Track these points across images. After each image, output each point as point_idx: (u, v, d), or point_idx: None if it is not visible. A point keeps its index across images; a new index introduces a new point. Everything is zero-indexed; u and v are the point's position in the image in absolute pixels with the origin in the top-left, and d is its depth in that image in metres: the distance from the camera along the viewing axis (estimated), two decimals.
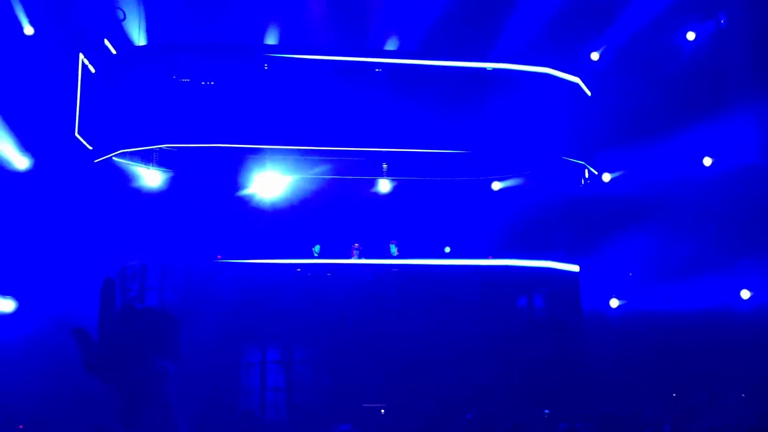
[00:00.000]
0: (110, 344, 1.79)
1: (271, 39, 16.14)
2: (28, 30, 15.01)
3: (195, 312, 13.16)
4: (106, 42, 15.25)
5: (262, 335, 13.19)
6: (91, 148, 15.08)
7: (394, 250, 14.60)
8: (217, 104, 14.92)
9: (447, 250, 15.77)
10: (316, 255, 14.34)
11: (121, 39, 15.46)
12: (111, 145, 15.03)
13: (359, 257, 14.49)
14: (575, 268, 14.80)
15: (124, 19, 14.97)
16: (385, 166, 16.34)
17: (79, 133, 15.18)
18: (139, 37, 15.59)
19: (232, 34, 15.67)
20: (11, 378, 12.40)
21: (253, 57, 15.39)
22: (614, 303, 16.44)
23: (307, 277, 14.04)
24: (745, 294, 15.82)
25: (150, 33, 15.62)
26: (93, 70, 15.19)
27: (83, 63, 15.05)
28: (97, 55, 15.13)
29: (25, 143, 14.96)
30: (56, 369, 11.97)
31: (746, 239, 15.53)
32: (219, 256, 13.55)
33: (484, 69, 16.12)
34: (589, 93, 16.70)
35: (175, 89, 14.90)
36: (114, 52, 15.43)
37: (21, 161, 15.06)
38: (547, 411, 12.11)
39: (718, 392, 13.30)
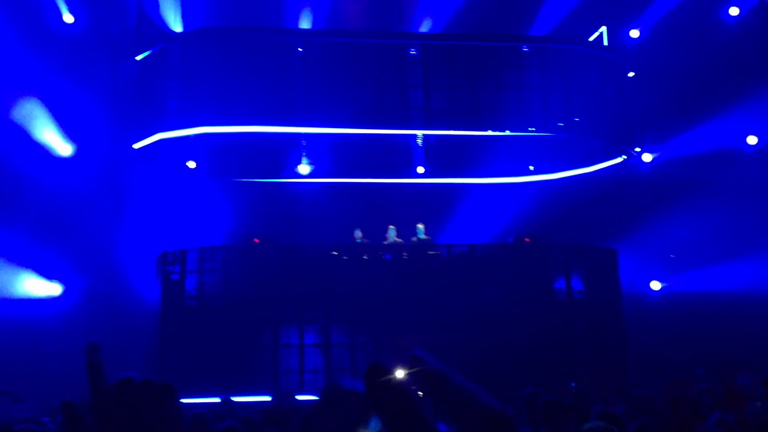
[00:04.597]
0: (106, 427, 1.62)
1: (305, 23, 16.18)
2: (68, 18, 15.25)
3: (234, 294, 13.39)
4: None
5: (301, 317, 13.32)
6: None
7: (421, 231, 14.48)
8: (253, 87, 15.00)
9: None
10: (358, 240, 14.39)
11: (158, 22, 15.61)
12: (150, 129, 15.24)
13: (396, 239, 14.50)
14: (614, 248, 14.62)
15: None
16: (419, 141, 16.30)
17: (119, 121, 15.42)
18: (175, 22, 15.74)
19: (267, 19, 15.73)
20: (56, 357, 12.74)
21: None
22: (656, 285, 16.22)
23: (344, 260, 14.11)
24: None
25: (185, 19, 15.75)
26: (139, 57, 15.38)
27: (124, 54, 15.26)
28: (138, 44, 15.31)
29: (68, 131, 15.26)
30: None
31: None
32: (256, 239, 13.69)
33: (519, 49, 15.94)
34: (628, 72, 16.39)
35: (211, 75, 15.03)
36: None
37: (65, 148, 15.39)
38: (573, 384, 12.05)
39: (763, 374, 13.03)
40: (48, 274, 14.79)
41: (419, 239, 14.52)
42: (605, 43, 16.49)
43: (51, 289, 14.88)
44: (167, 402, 1.74)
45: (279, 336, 13.27)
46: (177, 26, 15.80)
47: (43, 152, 15.09)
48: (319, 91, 15.29)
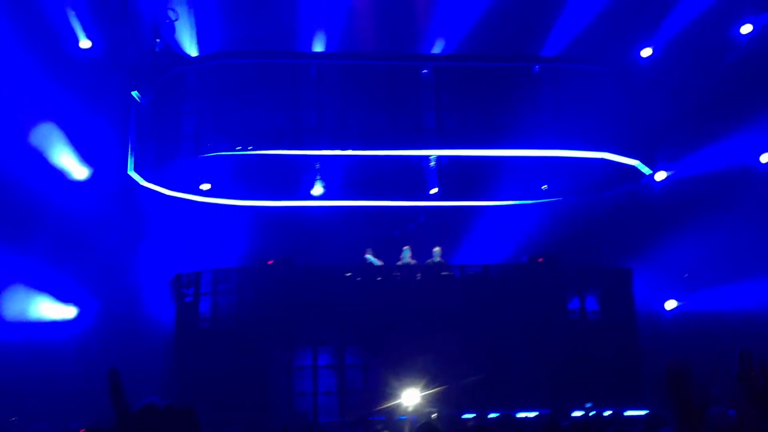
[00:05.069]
0: None
1: (319, 46, 16.31)
2: (85, 43, 15.45)
3: (247, 316, 13.40)
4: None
5: (315, 339, 13.30)
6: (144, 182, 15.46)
7: (437, 254, 14.52)
8: (267, 110, 15.13)
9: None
10: (368, 260, 14.41)
11: (174, 48, 15.80)
12: (165, 153, 15.37)
13: (410, 260, 14.51)
14: (629, 268, 14.55)
15: (177, 19, 15.30)
16: (432, 163, 16.34)
17: (135, 144, 15.57)
18: (191, 46, 15.92)
19: (281, 42, 15.87)
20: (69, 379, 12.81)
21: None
22: (670, 305, 16.10)
23: (358, 281, 14.11)
24: None
25: (201, 43, 15.93)
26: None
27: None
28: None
29: (84, 154, 15.42)
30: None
31: None
32: (270, 261, 13.73)
33: (531, 67, 15.98)
34: (641, 91, 16.37)
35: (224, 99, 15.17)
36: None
37: (80, 171, 15.55)
38: (588, 404, 11.97)
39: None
40: (63, 297, 14.89)
41: (434, 262, 14.55)
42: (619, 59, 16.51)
43: (66, 312, 14.98)
44: (190, 427, 1.78)
45: (293, 358, 13.26)
46: (193, 51, 15.98)
47: (59, 176, 15.25)
48: (332, 114, 15.38)
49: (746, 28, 16.60)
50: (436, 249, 14.54)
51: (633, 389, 13.08)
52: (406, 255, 14.51)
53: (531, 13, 16.68)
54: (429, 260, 14.57)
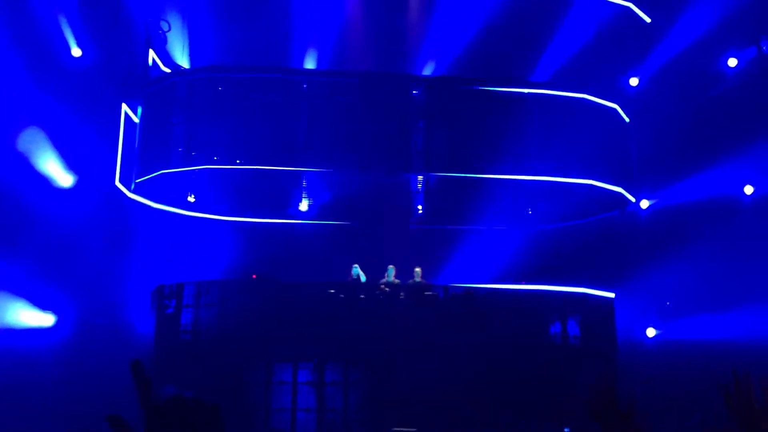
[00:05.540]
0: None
1: (310, 63, 16.38)
2: (76, 52, 15.43)
3: (229, 329, 13.31)
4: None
5: (296, 354, 13.24)
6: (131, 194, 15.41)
7: (418, 274, 14.56)
8: (257, 126, 15.14)
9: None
10: (355, 276, 14.40)
11: (166, 59, 15.82)
12: (153, 164, 15.33)
13: (394, 278, 14.51)
14: (611, 295, 14.62)
15: (169, 30, 15.33)
16: (420, 184, 16.39)
17: (122, 154, 15.51)
18: (182, 58, 15.94)
19: (272, 57, 15.93)
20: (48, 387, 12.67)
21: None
22: (651, 332, 16.17)
23: (341, 298, 14.07)
24: None
25: (192, 55, 15.96)
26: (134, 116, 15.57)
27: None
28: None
29: (71, 162, 15.34)
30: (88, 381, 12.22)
31: None
32: (254, 275, 13.68)
33: (521, 94, 16.10)
34: (627, 119, 16.56)
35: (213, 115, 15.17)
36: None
37: (66, 179, 15.46)
38: (567, 429, 11.98)
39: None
40: (42, 305, 14.74)
41: (415, 282, 14.57)
42: (604, 91, 16.70)
43: (44, 319, 14.82)
44: (217, 421, 1.80)
45: (273, 373, 13.18)
46: (184, 62, 16.00)
47: (44, 183, 15.16)
48: (321, 131, 15.39)
49: (732, 62, 16.90)
50: (417, 269, 14.58)
51: (614, 413, 13.05)
52: (391, 273, 14.51)
53: (521, 40, 16.87)
54: (410, 280, 14.60)
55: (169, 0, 15.84)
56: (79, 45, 15.52)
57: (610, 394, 2.42)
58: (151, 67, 15.56)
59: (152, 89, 15.51)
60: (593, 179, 15.93)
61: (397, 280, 14.57)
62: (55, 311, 14.79)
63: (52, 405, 12.53)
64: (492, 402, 12.75)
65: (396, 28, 16.61)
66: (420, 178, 16.23)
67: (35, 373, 13.46)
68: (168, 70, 15.75)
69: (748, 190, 16.49)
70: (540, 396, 12.83)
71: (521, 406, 12.83)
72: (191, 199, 15.83)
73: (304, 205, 16.08)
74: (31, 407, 12.63)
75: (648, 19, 17.11)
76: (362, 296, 14.19)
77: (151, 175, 15.25)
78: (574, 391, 13.12)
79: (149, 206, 15.74)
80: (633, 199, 16.45)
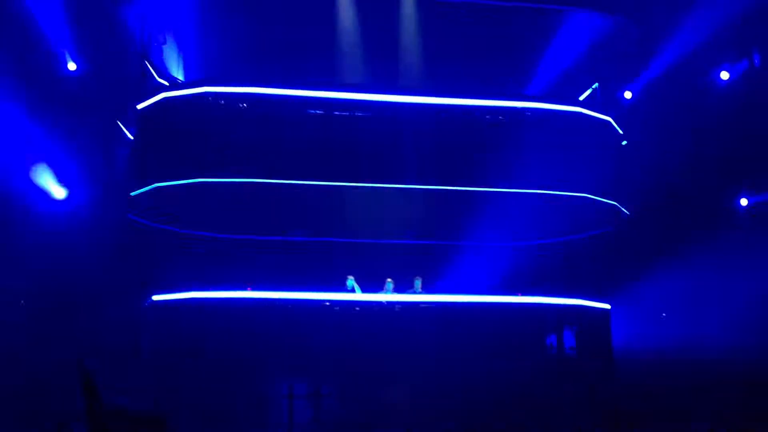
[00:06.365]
0: None
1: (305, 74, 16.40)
2: (71, 65, 15.42)
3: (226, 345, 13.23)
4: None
5: (291, 368, 13.19)
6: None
7: (418, 285, 14.59)
8: (249, 139, 15.13)
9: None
10: (349, 288, 14.36)
11: (161, 71, 15.81)
12: (146, 178, 15.28)
13: (392, 292, 14.49)
14: (606, 306, 14.64)
15: (165, 43, 15.34)
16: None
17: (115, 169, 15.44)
18: (178, 71, 15.95)
19: (269, 68, 15.96)
20: None
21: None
22: (646, 343, 16.15)
23: (336, 312, 14.03)
24: None
25: (187, 67, 15.98)
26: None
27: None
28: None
29: (63, 176, 15.27)
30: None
31: None
32: (249, 288, 13.63)
33: (514, 108, 16.15)
34: (621, 132, 16.63)
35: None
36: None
37: (59, 192, 15.39)
38: None
39: None
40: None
41: (416, 293, 14.59)
42: (599, 101, 16.80)
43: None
44: None
45: (268, 388, 13.12)
46: (179, 74, 16.01)
47: (36, 196, 15.07)
48: (313, 145, 15.37)
49: (724, 74, 17.03)
50: (418, 280, 14.59)
51: (610, 424, 13.10)
52: (390, 287, 14.50)
53: (515, 54, 16.98)
54: (410, 290, 14.62)
55: (164, 13, 15.86)
56: (74, 59, 15.50)
57: None
58: (146, 79, 15.55)
59: (146, 106, 15.45)
60: (587, 193, 15.96)
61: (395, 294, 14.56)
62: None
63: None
64: (487, 412, 12.71)
65: (389, 41, 16.71)
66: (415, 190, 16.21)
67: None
68: (165, 83, 15.73)
69: (744, 201, 16.55)
70: (535, 406, 12.81)
71: (518, 416, 12.80)
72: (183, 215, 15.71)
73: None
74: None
75: (640, 33, 17.25)
76: (357, 308, 14.14)
77: (144, 189, 15.18)
78: (569, 401, 13.14)
79: (143, 221, 15.66)
80: (627, 213, 16.49)
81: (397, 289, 14.60)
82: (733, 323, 15.09)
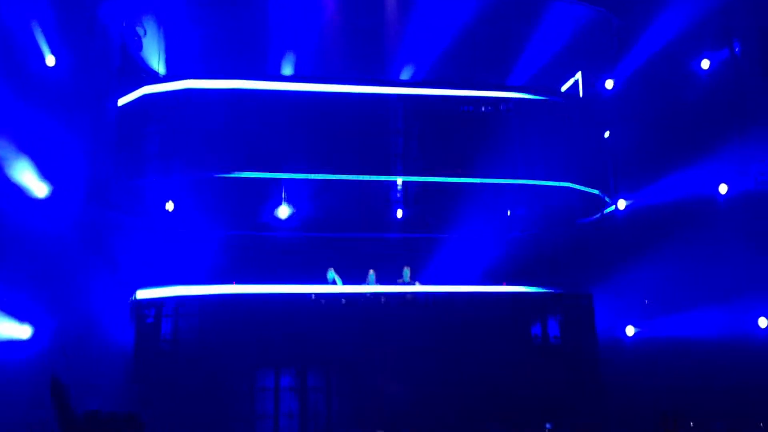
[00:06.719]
0: None
1: (288, 68, 16.36)
2: (50, 60, 15.26)
3: (210, 339, 13.24)
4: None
5: (277, 361, 13.23)
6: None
7: (406, 274, 14.70)
8: (233, 133, 15.08)
9: None
10: (330, 280, 14.44)
11: (142, 65, 15.69)
12: (129, 172, 15.21)
13: (375, 283, 14.56)
14: (589, 294, 14.79)
15: (145, 35, 15.21)
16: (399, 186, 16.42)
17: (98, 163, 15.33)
18: (159, 65, 15.84)
19: (250, 62, 15.89)
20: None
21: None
22: (630, 331, 16.32)
23: (321, 304, 14.07)
24: (763, 322, 15.65)
25: (168, 60, 15.87)
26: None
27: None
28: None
29: (45, 171, 15.15)
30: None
31: (764, 267, 15.38)
32: (234, 282, 13.65)
33: (495, 98, 16.20)
34: (603, 121, 16.73)
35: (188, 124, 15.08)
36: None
37: (41, 188, 15.27)
38: (548, 426, 12.15)
39: (735, 422, 13.13)
40: (19, 316, 14.51)
41: (404, 282, 14.67)
42: (581, 90, 16.88)
43: (21, 331, 14.60)
44: (136, 429, 1.77)
45: (255, 379, 13.14)
46: (160, 67, 15.89)
47: (18, 193, 14.93)
48: (300, 138, 15.36)
49: (705, 63, 17.13)
50: (406, 269, 14.69)
51: (595, 412, 13.27)
52: (372, 278, 14.56)
53: (496, 44, 16.99)
54: (399, 280, 14.68)
55: (144, 5, 15.73)
56: (53, 53, 15.34)
57: None
58: (126, 73, 15.42)
59: (128, 97, 15.37)
60: (570, 182, 16.07)
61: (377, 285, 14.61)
62: (31, 323, 14.57)
63: (25, 416, 12.34)
64: (474, 403, 12.82)
65: (373, 33, 16.64)
66: (399, 183, 16.25)
67: (11, 386, 13.25)
68: (145, 76, 15.63)
69: (723, 189, 16.70)
70: (522, 394, 12.96)
71: (504, 406, 12.93)
72: (170, 206, 15.70)
73: (284, 212, 16.01)
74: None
75: (621, 23, 17.31)
76: (343, 301, 14.20)
77: (126, 184, 15.13)
78: (555, 389, 13.29)
79: (126, 216, 15.59)
80: (608, 200, 16.62)
81: (380, 282, 14.67)
82: (715, 311, 15.28)
